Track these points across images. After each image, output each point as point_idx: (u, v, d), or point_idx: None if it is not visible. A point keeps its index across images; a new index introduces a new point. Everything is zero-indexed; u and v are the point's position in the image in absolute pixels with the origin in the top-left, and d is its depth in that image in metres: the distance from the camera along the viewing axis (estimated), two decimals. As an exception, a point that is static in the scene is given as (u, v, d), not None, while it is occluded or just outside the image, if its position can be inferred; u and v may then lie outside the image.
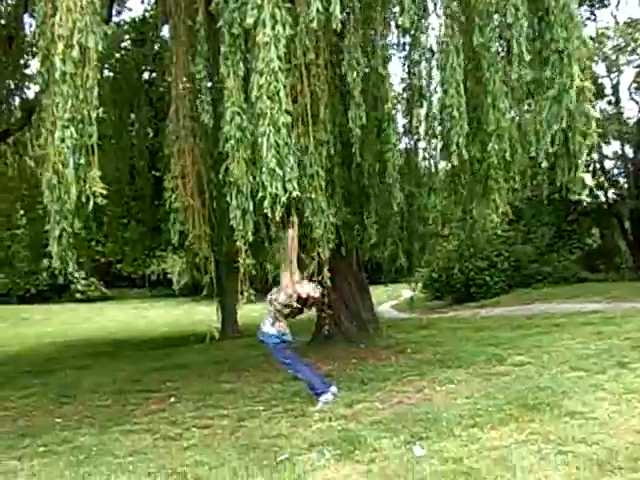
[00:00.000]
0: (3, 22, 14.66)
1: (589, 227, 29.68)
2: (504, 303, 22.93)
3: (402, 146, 11.93)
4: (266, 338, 8.26)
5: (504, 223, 11.32)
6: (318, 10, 7.34)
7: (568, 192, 9.50)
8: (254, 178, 7.50)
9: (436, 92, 10.32)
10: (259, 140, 7.20)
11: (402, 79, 11.31)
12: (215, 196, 9.87)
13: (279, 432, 7.01)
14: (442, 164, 11.32)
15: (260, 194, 7.33)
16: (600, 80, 25.64)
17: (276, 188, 7.10)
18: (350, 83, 8.58)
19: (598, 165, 26.30)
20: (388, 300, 32.48)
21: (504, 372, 9.03)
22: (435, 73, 9.95)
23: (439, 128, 10.78)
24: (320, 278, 8.98)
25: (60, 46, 6.87)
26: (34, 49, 12.31)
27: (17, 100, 15.93)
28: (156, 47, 16.62)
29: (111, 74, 16.11)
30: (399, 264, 12.22)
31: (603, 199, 26.72)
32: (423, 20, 9.51)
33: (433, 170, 11.35)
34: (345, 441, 6.28)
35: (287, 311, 8.14)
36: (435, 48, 9.52)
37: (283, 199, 7.18)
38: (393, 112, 9.70)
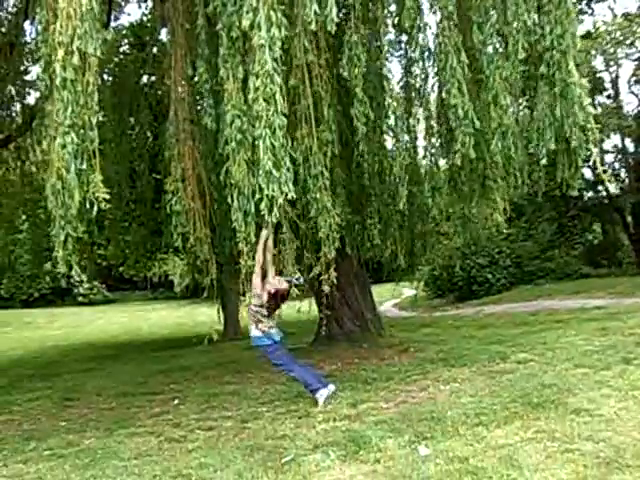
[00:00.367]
0: (4, 30, 14.68)
1: (590, 222, 29.62)
2: (506, 300, 22.90)
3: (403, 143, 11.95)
4: (256, 341, 8.28)
5: (504, 220, 11.27)
6: (315, 12, 7.34)
7: (568, 188, 9.50)
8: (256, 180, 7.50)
9: (433, 91, 10.33)
10: (256, 142, 7.20)
11: (400, 78, 11.28)
12: (216, 198, 9.87)
13: (283, 433, 6.99)
14: (441, 162, 11.33)
15: (257, 196, 7.33)
16: (599, 74, 25.59)
17: (272, 190, 7.09)
18: (352, 80, 8.56)
19: (598, 159, 26.22)
20: (390, 299, 32.46)
21: (508, 370, 9.01)
22: (432, 72, 9.93)
23: (438, 127, 10.81)
24: (327, 277, 8.99)
25: (60, 53, 6.89)
26: (35, 56, 12.33)
27: (18, 106, 15.95)
28: (154, 51, 16.62)
29: (110, 78, 16.10)
30: (398, 264, 12.21)
31: (604, 194, 26.64)
32: (419, 18, 9.49)
33: (435, 169, 11.33)
34: (350, 441, 6.27)
35: (265, 311, 8.13)
36: (432, 47, 9.50)
37: (280, 200, 7.18)
38: (397, 111, 9.67)
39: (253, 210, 7.45)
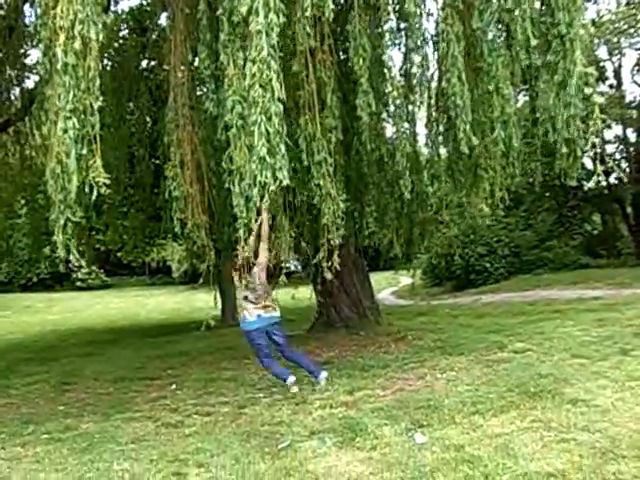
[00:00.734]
0: (3, 13, 14.57)
1: (590, 213, 29.54)
2: (504, 290, 22.91)
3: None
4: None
5: (499, 209, 11.27)
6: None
7: (567, 178, 9.49)
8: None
9: (433, 79, 10.30)
10: (252, 128, 7.16)
11: (400, 66, 11.25)
12: (214, 184, 9.84)
13: (280, 419, 7.03)
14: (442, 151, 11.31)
15: (247, 181, 7.29)
16: (602, 63, 25.39)
17: (265, 176, 7.06)
18: (358, 70, 8.52)
19: (599, 150, 26.12)
20: (388, 287, 32.48)
21: (505, 359, 9.03)
22: (432, 60, 9.90)
23: (437, 115, 10.77)
24: (329, 265, 9.00)
25: (62, 37, 6.84)
26: (34, 39, 12.26)
27: (17, 90, 15.87)
28: (154, 36, 16.52)
29: (110, 63, 16.02)
30: (394, 252, 12.22)
31: (604, 184, 26.50)
32: (421, 6, 9.45)
33: (435, 157, 11.31)
34: (346, 428, 6.29)
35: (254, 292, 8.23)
36: (433, 34, 9.47)
37: (272, 187, 7.15)
38: (399, 99, 9.64)
39: (255, 196, 7.41)
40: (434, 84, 10.55)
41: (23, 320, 30.15)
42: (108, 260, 42.80)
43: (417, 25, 9.13)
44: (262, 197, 7.17)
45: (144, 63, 17.17)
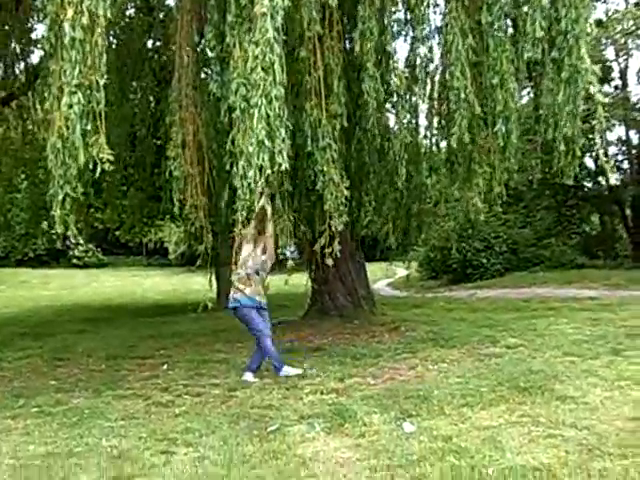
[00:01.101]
0: (9, -14, 14.51)
1: (589, 213, 29.52)
2: (500, 285, 22.90)
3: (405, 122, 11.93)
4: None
5: (498, 205, 11.28)
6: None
7: (564, 176, 9.52)
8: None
9: (437, 71, 10.29)
10: (250, 111, 7.14)
11: (406, 57, 11.24)
12: (215, 166, 9.83)
13: (270, 403, 7.05)
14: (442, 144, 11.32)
15: (243, 163, 7.26)
16: (608, 64, 25.28)
17: (263, 160, 7.05)
18: (364, 54, 8.50)
19: (602, 151, 26.09)
20: (383, 278, 32.49)
21: (497, 354, 9.07)
22: (437, 52, 9.89)
23: (438, 108, 10.77)
24: (331, 251, 9.01)
25: (70, 12, 6.82)
26: (41, 13, 12.20)
27: (22, 64, 15.82)
28: (161, 15, 16.45)
29: (115, 41, 15.94)
30: (390, 243, 12.24)
31: (604, 184, 26.44)
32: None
33: (434, 149, 11.32)
34: (336, 414, 6.31)
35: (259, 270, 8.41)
36: (439, 26, 9.45)
37: (268, 171, 7.14)
38: (400, 89, 9.63)
39: (252, 179, 7.40)
40: (438, 77, 10.53)
41: (18, 295, 30.13)
42: (106, 239, 42.80)
43: (422, 16, 9.13)
44: (259, 181, 7.16)
45: (149, 43, 17.08)
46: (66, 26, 6.80)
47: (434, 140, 11.32)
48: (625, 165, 27.90)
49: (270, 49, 6.99)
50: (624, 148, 27.45)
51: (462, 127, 8.61)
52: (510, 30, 9.29)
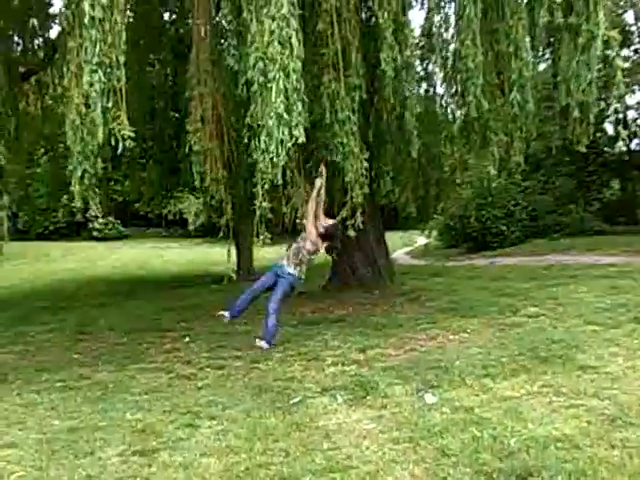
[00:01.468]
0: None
1: (609, 179, 29.25)
2: (520, 253, 22.81)
3: (421, 92, 11.85)
4: (285, 275, 8.21)
5: (517, 173, 11.25)
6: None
7: (579, 143, 9.46)
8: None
9: (453, 39, 10.19)
10: (268, 85, 7.11)
11: (422, 25, 11.13)
12: (234, 139, 9.81)
13: (292, 375, 7.12)
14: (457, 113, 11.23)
15: (263, 138, 7.22)
16: (627, 28, 24.94)
17: (282, 133, 7.04)
18: (382, 24, 8.42)
19: (621, 116, 25.80)
20: (403, 247, 32.45)
21: (518, 323, 9.05)
22: (453, 20, 9.78)
23: (452, 76, 10.68)
24: (353, 222, 9.03)
25: None
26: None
27: (40, 40, 15.78)
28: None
29: (132, 14, 15.84)
30: (408, 212, 12.22)
31: (624, 150, 26.14)
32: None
33: (450, 118, 11.24)
34: (357, 386, 6.37)
35: (313, 256, 8.25)
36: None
37: (288, 144, 7.13)
38: (412, 59, 9.53)
39: (272, 153, 7.36)
40: (452, 45, 10.42)
41: (39, 268, 30.34)
42: (125, 211, 42.92)
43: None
44: (278, 154, 7.14)
45: (166, 15, 16.98)
46: (86, 5, 6.77)
47: (449, 109, 11.24)
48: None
49: (287, 23, 6.95)
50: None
51: (477, 95, 8.53)
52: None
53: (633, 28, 25.48)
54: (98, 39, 6.81)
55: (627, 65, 23.67)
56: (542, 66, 12.24)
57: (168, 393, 6.77)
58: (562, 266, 16.61)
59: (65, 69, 7.72)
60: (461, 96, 10.08)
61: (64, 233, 47.77)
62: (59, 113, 14.62)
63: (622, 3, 23.51)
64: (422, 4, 11.59)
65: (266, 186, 7.60)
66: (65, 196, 19.10)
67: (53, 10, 15.67)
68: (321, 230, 7.98)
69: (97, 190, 7.93)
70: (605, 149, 26.24)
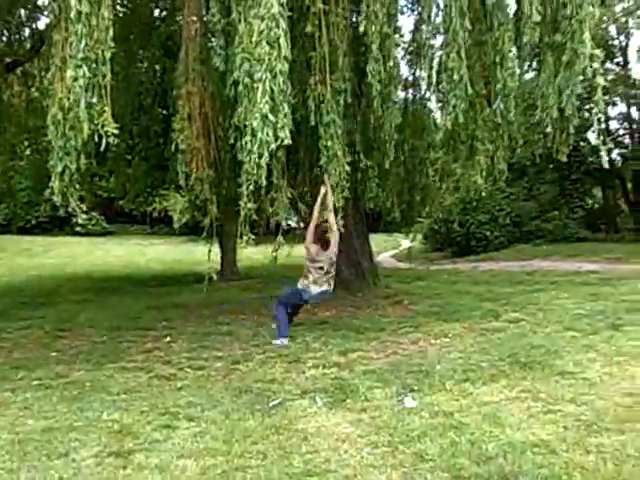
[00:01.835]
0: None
1: (591, 187, 29.56)
2: (503, 258, 22.98)
3: (409, 98, 11.91)
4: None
5: (499, 181, 11.32)
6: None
7: (558, 153, 9.61)
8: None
9: (440, 50, 10.25)
10: (254, 86, 7.09)
11: (411, 33, 11.20)
12: (221, 139, 9.79)
13: (273, 377, 7.10)
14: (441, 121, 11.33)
15: (248, 138, 7.21)
16: (610, 42, 25.48)
17: (267, 134, 7.02)
18: (369, 37, 8.44)
19: (603, 126, 26.19)
20: (388, 249, 32.50)
21: (499, 328, 9.12)
22: (441, 29, 9.84)
23: (435, 87, 10.78)
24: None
25: None
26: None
27: (27, 31, 15.67)
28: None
29: (122, 10, 15.75)
30: (393, 216, 12.27)
31: (606, 159, 26.45)
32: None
33: (430, 126, 11.35)
34: (337, 389, 6.38)
35: (318, 265, 8.78)
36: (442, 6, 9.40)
37: (273, 146, 7.12)
38: (395, 70, 9.55)
39: (256, 153, 7.35)
40: (438, 54, 10.50)
41: (19, 263, 29.94)
42: (110, 207, 42.67)
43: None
44: (260, 156, 7.13)
45: (156, 12, 16.91)
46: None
47: (432, 117, 11.34)
48: (627, 140, 28.08)
49: (275, 24, 6.93)
50: (625, 124, 27.57)
51: (457, 107, 8.59)
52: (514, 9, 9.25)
53: (616, 42, 25.99)
54: (84, 34, 6.76)
55: (610, 77, 24.21)
56: (529, 75, 12.31)
57: (147, 393, 6.70)
58: (544, 272, 16.77)
59: (51, 61, 7.67)
60: (445, 105, 10.16)
61: (46, 228, 47.37)
62: (44, 106, 14.55)
63: (605, 18, 23.95)
64: (412, 11, 11.65)
65: (251, 187, 7.57)
66: (48, 190, 19.00)
67: (42, 1, 15.56)
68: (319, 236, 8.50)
69: (79, 186, 7.86)
70: (589, 159, 26.57)
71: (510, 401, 5.73)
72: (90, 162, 11.16)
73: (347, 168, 8.77)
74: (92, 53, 6.86)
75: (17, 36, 15.55)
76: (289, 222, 9.82)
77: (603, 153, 9.66)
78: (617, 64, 26.70)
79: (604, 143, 9.68)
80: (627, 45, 26.64)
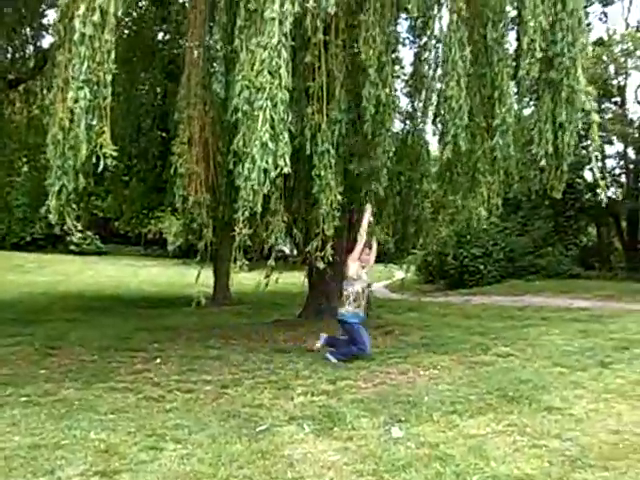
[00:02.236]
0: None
1: (586, 224, 29.71)
2: (496, 292, 23.02)
3: (406, 129, 12.01)
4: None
5: (493, 216, 11.40)
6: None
7: (552, 191, 9.72)
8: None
9: (440, 81, 10.38)
10: (255, 114, 7.19)
11: (412, 62, 11.32)
12: (220, 164, 9.86)
13: (261, 402, 7.11)
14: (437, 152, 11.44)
15: (248, 165, 7.28)
16: (608, 81, 25.79)
17: (266, 162, 7.10)
18: (366, 60, 8.56)
19: (596, 168, 26.42)
20: (381, 280, 32.53)
21: (488, 362, 9.14)
22: (441, 62, 9.98)
23: (434, 117, 10.88)
24: (322, 254, 9.10)
25: (82, 8, 6.85)
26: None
27: (31, 49, 15.79)
28: (173, 9, 16.43)
29: (126, 31, 15.90)
30: (388, 247, 12.31)
31: (602, 197, 26.62)
32: (433, 9, 9.55)
33: (426, 157, 11.46)
34: (325, 417, 6.39)
35: (356, 293, 9.54)
36: (442, 37, 9.55)
37: (273, 174, 7.19)
38: (390, 98, 9.67)
39: (263, 180, 7.40)
40: (437, 85, 10.64)
41: (11, 280, 29.82)
42: (105, 227, 42.66)
43: (422, 26, 9.23)
44: (259, 182, 7.20)
45: (160, 35, 17.08)
46: (77, 22, 6.83)
47: (430, 148, 11.46)
48: (622, 179, 28.28)
49: (277, 54, 7.05)
50: (622, 162, 27.83)
51: (457, 136, 8.70)
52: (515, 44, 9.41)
53: (613, 82, 26.32)
54: (87, 56, 6.84)
55: (608, 116, 24.48)
56: (528, 111, 12.46)
57: (134, 414, 6.70)
58: (536, 308, 16.79)
59: (53, 81, 7.75)
60: (443, 135, 10.26)
61: (41, 245, 47.29)
62: (44, 124, 14.63)
63: (605, 57, 24.30)
64: (413, 42, 11.79)
65: (247, 213, 7.64)
66: (44, 208, 18.99)
67: (47, 21, 15.71)
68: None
69: (75, 205, 7.90)
70: (585, 196, 26.76)
71: (496, 434, 5.75)
72: (88, 182, 11.21)
73: (339, 198, 8.85)
74: (94, 75, 6.94)
75: (21, 54, 15.68)
76: (282, 248, 9.84)
77: (600, 190, 9.76)
78: (615, 103, 27.01)
79: (603, 178, 9.79)
80: (625, 85, 26.99)
